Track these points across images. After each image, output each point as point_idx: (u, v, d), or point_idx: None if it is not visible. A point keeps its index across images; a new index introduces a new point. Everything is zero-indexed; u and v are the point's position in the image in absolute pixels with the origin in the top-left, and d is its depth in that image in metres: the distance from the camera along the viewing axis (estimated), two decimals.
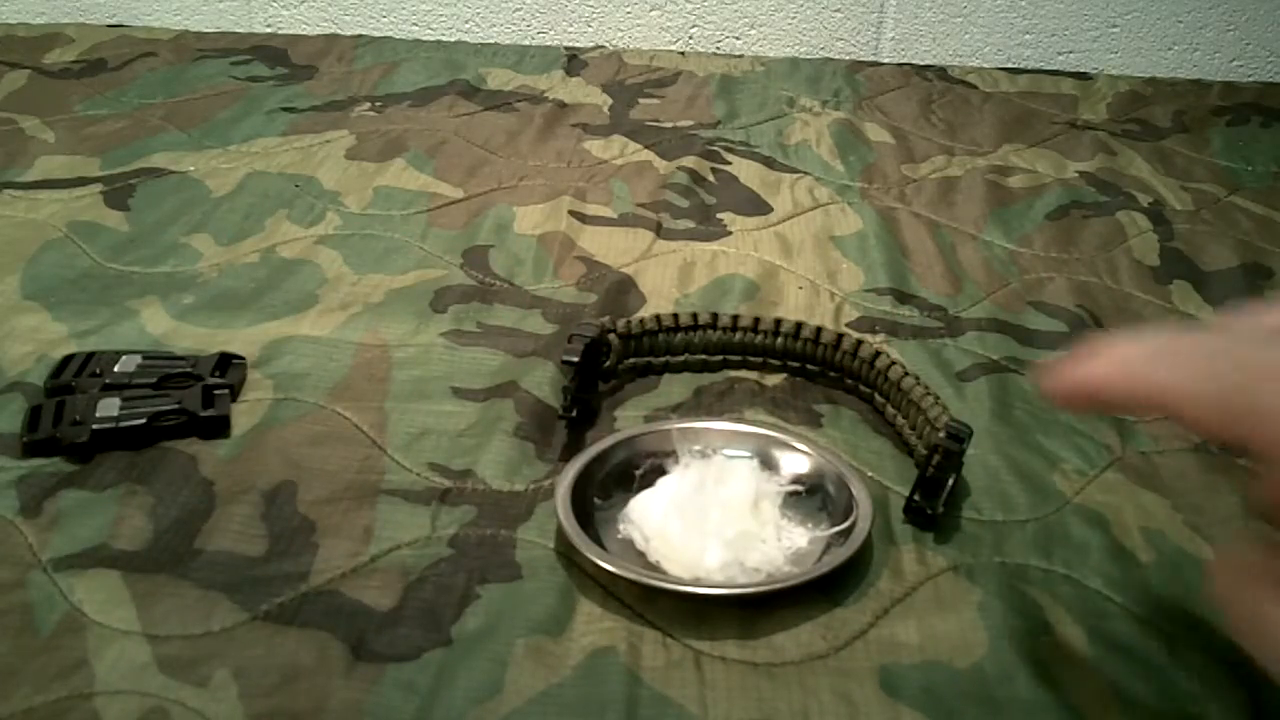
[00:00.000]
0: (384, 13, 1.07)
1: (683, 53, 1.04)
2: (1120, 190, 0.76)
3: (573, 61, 0.99)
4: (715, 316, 0.52)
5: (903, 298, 0.60)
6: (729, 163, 0.78)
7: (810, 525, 0.42)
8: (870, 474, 0.46)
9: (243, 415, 0.49)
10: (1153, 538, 0.43)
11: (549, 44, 1.05)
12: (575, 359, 0.47)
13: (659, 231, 0.67)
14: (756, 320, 0.52)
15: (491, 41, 1.06)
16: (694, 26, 1.05)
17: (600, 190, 0.72)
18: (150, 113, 0.83)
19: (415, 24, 1.07)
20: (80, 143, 0.77)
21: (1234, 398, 0.23)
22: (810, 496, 0.43)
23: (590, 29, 1.06)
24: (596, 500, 0.43)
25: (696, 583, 0.39)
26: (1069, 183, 0.76)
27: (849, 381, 0.51)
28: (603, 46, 1.05)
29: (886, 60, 1.04)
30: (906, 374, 0.48)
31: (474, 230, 0.66)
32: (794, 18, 1.04)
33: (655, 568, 0.40)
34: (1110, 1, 1.01)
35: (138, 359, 0.51)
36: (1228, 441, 0.24)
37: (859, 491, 0.42)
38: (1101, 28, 1.03)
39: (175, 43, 1.00)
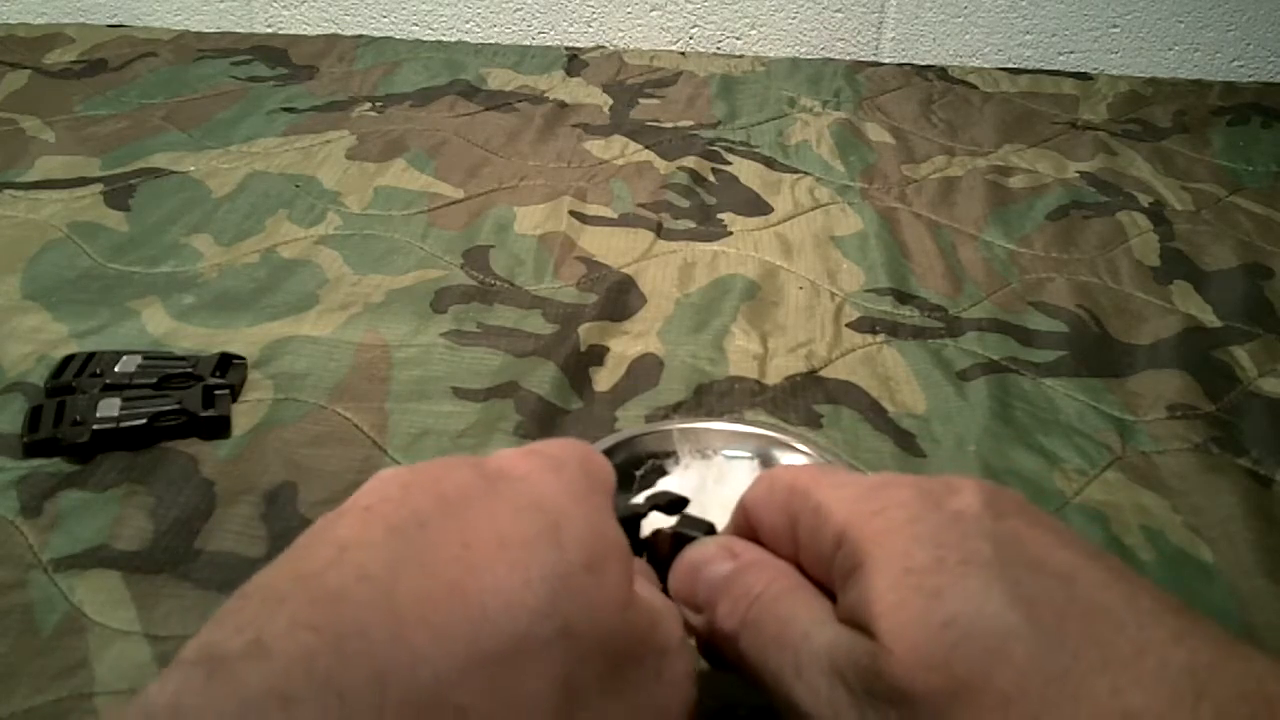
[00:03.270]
0: (384, 13, 1.07)
1: (683, 53, 1.04)
2: (1121, 190, 0.76)
3: (573, 62, 0.99)
4: None
5: (903, 298, 0.60)
6: (729, 163, 0.78)
7: None
8: (870, 474, 0.46)
9: (243, 416, 0.49)
10: (1153, 537, 0.43)
11: (549, 44, 1.06)
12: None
13: (659, 232, 0.67)
14: None
15: (492, 42, 1.06)
16: (694, 27, 1.05)
17: (600, 190, 0.72)
18: (151, 113, 0.83)
19: (416, 24, 1.07)
20: (81, 143, 0.77)
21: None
22: None
23: (591, 29, 1.06)
24: None
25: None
26: (1069, 183, 0.76)
27: None
28: (603, 47, 1.05)
29: (887, 60, 1.04)
30: None
31: (474, 230, 0.66)
32: (794, 18, 1.04)
33: None
34: (1111, 2, 1.01)
35: (138, 359, 0.51)
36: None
37: None
38: (1102, 28, 1.03)
39: (176, 43, 1.00)
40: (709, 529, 0.33)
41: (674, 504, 0.35)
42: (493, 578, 0.24)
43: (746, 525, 0.32)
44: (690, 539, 0.33)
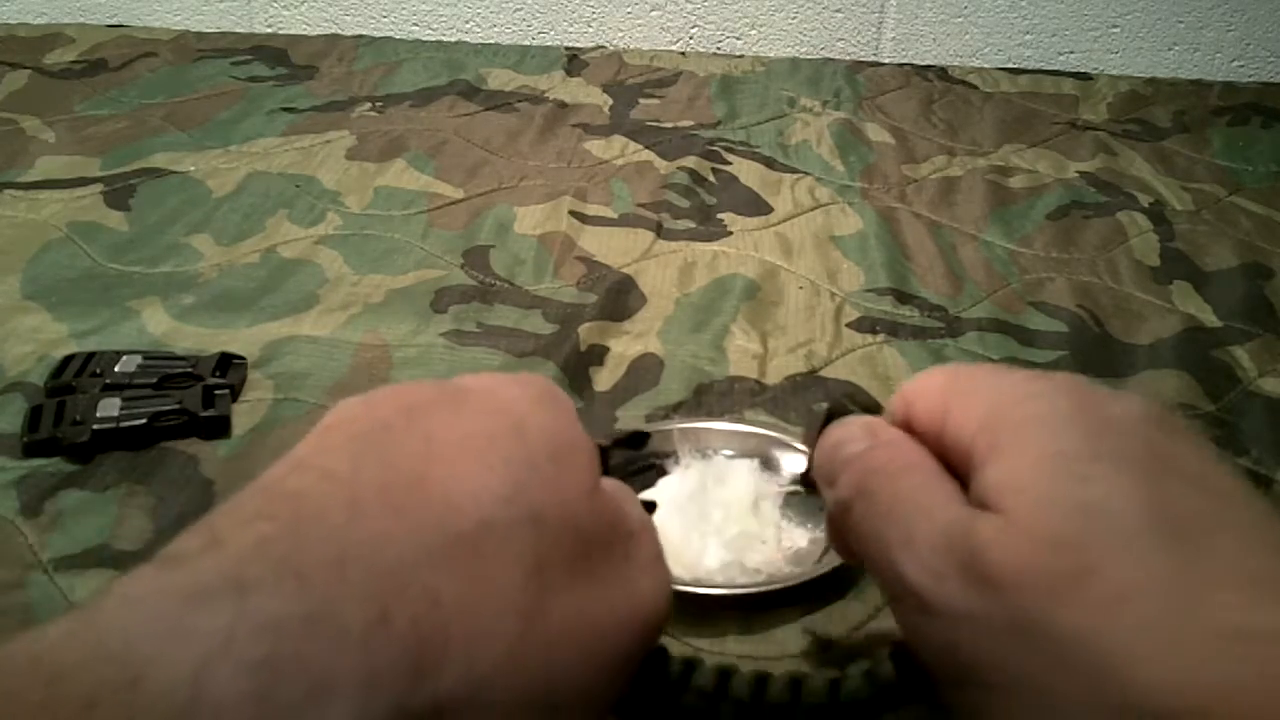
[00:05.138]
0: (384, 13, 1.07)
1: (683, 53, 1.04)
2: (1121, 190, 0.76)
3: (573, 62, 0.99)
4: None
5: (903, 298, 0.60)
6: (729, 163, 0.78)
7: (810, 525, 0.42)
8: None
9: (243, 415, 0.49)
10: None
11: (549, 44, 1.06)
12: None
13: (659, 232, 0.67)
14: None
15: (492, 42, 1.06)
16: (694, 26, 1.05)
17: (601, 190, 0.72)
18: (150, 113, 0.83)
19: (416, 24, 1.07)
20: (81, 143, 0.77)
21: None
22: (810, 496, 0.43)
23: (591, 29, 1.06)
24: None
25: (697, 583, 0.39)
26: (1069, 183, 0.76)
27: None
28: (603, 46, 1.05)
29: (887, 60, 1.04)
30: None
31: (474, 230, 0.66)
32: (794, 18, 1.04)
33: None
34: (1110, 2, 1.01)
35: (138, 359, 0.51)
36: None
37: None
38: (1102, 28, 1.03)
39: (176, 43, 1.00)
40: (868, 410, 0.33)
41: (635, 437, 0.34)
42: (456, 467, 0.24)
43: (903, 417, 0.31)
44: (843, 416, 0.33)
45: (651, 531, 0.29)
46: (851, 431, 0.31)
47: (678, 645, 0.37)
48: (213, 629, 0.19)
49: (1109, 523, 0.23)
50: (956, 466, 0.28)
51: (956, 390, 0.29)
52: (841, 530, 0.30)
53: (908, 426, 0.31)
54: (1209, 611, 0.22)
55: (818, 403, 0.34)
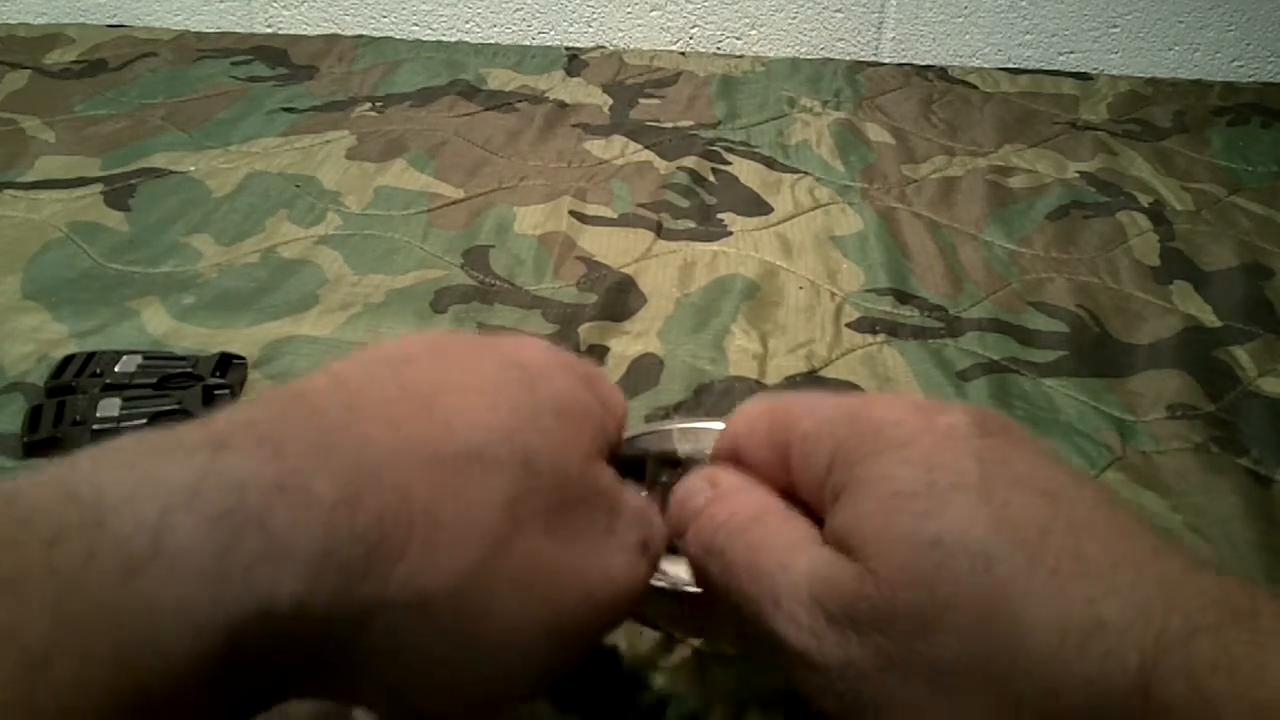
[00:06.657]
0: (384, 13, 1.07)
1: (683, 53, 1.04)
2: (1121, 190, 0.76)
3: (573, 62, 0.99)
4: None
5: (903, 298, 0.60)
6: (729, 163, 0.78)
7: None
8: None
9: None
10: None
11: (549, 44, 1.06)
12: None
13: (659, 232, 0.67)
14: None
15: (492, 42, 1.06)
16: (694, 26, 1.05)
17: (601, 190, 0.72)
18: (151, 113, 0.83)
19: (416, 24, 1.07)
20: (81, 143, 0.77)
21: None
22: None
23: (591, 29, 1.06)
24: None
25: (698, 583, 0.39)
26: (1069, 183, 0.76)
27: None
28: (603, 47, 1.05)
29: (887, 60, 1.04)
30: None
31: (474, 230, 0.66)
32: (794, 18, 1.04)
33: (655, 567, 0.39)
34: (1110, 2, 1.01)
35: (138, 359, 0.51)
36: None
37: None
38: (1102, 28, 1.03)
39: (176, 43, 1.00)
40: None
41: (672, 459, 0.35)
42: (461, 401, 0.25)
43: (734, 459, 0.31)
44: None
45: (643, 520, 0.29)
46: (695, 484, 0.31)
47: (679, 648, 0.37)
48: (181, 481, 0.20)
49: (954, 555, 0.24)
50: (809, 502, 0.29)
51: (793, 436, 0.29)
52: (705, 585, 0.30)
53: (739, 467, 0.31)
54: (1068, 609, 0.23)
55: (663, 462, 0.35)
